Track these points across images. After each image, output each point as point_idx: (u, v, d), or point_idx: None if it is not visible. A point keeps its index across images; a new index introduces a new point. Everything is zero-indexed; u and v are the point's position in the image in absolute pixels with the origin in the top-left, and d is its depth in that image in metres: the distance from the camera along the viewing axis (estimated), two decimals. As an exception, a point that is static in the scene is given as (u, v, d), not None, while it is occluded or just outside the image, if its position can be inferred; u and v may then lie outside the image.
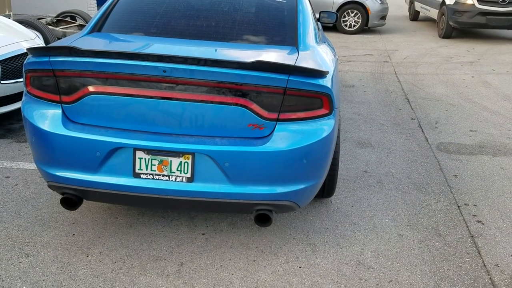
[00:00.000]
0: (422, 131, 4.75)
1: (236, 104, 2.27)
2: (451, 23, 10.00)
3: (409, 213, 3.16)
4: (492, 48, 9.54)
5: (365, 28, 11.01)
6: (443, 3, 10.35)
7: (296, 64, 2.41)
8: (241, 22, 2.97)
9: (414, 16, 13.49)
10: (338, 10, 10.70)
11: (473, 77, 7.10)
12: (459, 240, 2.89)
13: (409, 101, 5.75)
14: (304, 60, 2.57)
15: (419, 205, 3.28)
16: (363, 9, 10.68)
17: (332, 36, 10.24)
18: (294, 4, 3.15)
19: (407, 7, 14.87)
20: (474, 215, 3.19)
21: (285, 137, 2.31)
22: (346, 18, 10.80)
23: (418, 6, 12.81)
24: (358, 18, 10.77)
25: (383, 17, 10.93)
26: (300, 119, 2.34)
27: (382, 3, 10.81)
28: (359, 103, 5.63)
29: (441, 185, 3.59)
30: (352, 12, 10.76)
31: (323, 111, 2.36)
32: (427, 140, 4.49)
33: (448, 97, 6.01)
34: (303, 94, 2.30)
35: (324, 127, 2.38)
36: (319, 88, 2.30)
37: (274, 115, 2.31)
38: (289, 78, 2.24)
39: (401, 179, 3.67)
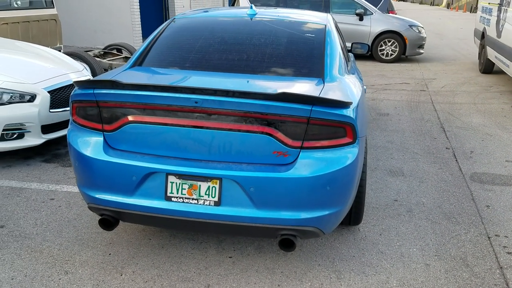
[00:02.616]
0: (456, 160, 4.70)
1: (262, 133, 2.40)
2: None
3: (437, 243, 3.15)
4: (535, 76, 9.29)
5: (402, 57, 11.01)
6: None
7: (320, 95, 2.54)
8: (270, 55, 3.14)
9: (486, 67, 9.16)
10: (375, 39, 10.79)
11: (512, 106, 6.96)
12: (487, 271, 2.85)
13: (444, 130, 5.71)
14: (329, 91, 2.68)
15: (448, 235, 3.26)
16: (400, 38, 10.72)
17: (368, 65, 10.31)
18: (322, 37, 3.29)
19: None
20: (504, 247, 3.13)
21: (308, 164, 2.41)
22: (383, 47, 10.86)
23: (491, 54, 8.51)
24: (395, 47, 10.80)
25: (421, 46, 10.92)
26: (324, 147, 2.44)
27: (419, 32, 10.82)
28: (393, 131, 5.64)
29: (472, 216, 3.55)
30: (389, 41, 10.82)
31: (346, 139, 2.45)
32: (461, 170, 4.44)
33: (485, 126, 5.92)
34: (326, 124, 2.40)
35: (348, 155, 2.46)
36: (341, 118, 2.40)
37: (298, 143, 2.42)
38: (313, 109, 2.35)
39: (432, 208, 3.65)
